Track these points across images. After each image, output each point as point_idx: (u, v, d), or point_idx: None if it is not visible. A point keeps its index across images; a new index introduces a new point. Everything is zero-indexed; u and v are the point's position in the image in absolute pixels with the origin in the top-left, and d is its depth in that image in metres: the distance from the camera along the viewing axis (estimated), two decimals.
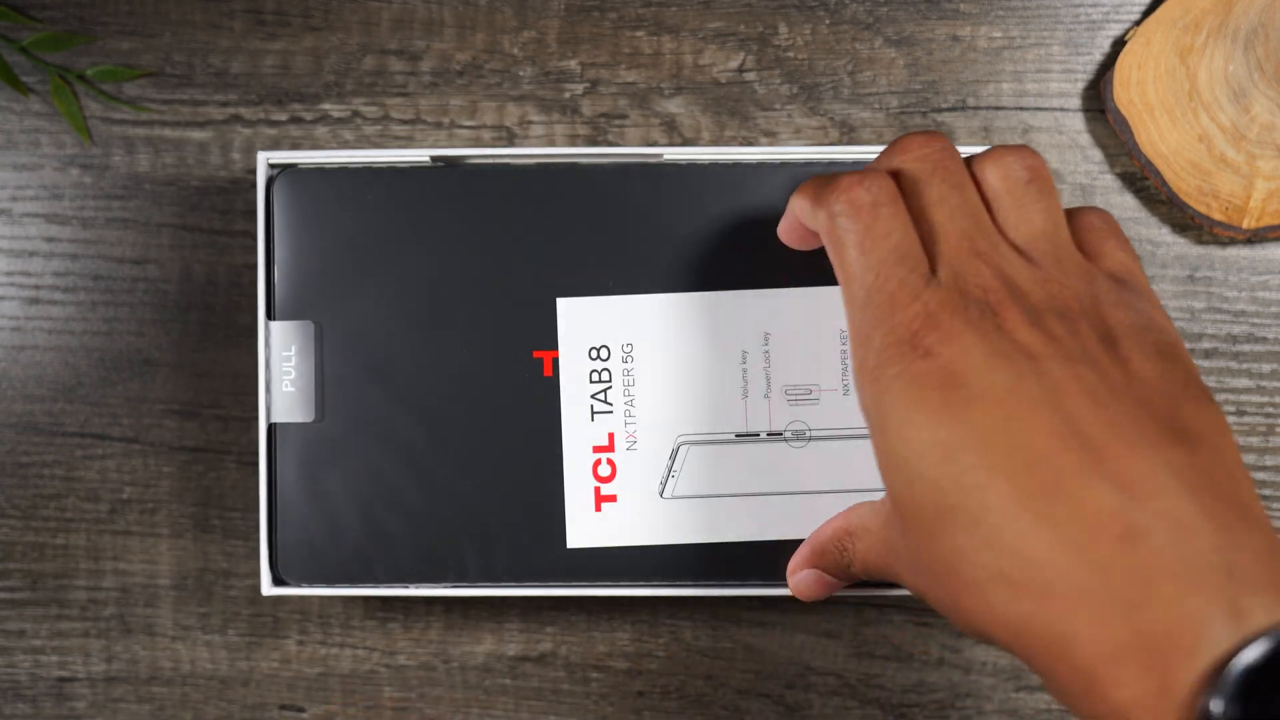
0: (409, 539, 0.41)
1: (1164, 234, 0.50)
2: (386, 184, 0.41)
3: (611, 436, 0.40)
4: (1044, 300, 0.31)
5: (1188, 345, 0.50)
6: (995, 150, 0.34)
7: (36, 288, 0.51)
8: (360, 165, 0.42)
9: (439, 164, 0.41)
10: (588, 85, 0.50)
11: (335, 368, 0.41)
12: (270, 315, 0.41)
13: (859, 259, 0.32)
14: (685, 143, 0.50)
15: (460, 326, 0.40)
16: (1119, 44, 0.50)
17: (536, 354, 0.40)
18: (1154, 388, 0.29)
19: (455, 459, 0.41)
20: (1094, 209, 0.35)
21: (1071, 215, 0.35)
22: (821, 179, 0.35)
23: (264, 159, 0.44)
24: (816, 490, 0.41)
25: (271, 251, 0.42)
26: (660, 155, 0.43)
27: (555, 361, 0.40)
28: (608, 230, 0.41)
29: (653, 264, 0.41)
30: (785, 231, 0.40)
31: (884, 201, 0.33)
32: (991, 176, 0.33)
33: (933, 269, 0.32)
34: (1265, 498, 0.51)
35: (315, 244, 0.41)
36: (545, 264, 0.40)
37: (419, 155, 0.43)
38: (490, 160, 0.40)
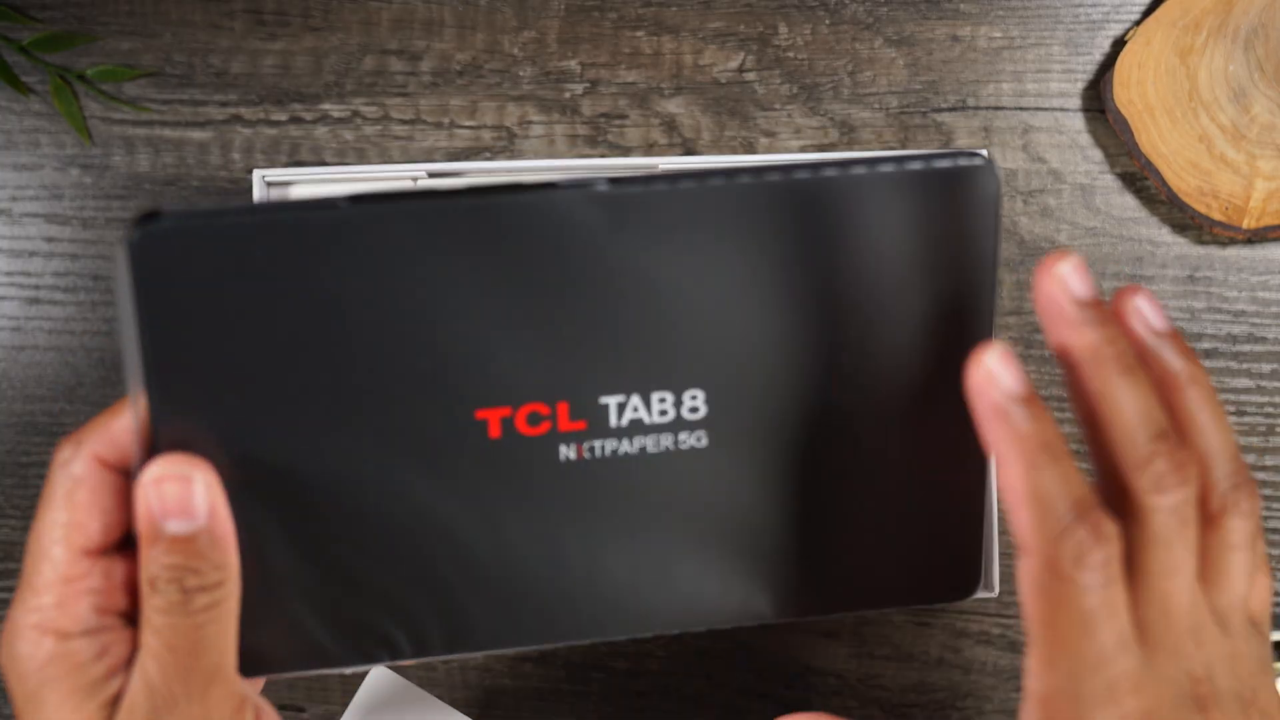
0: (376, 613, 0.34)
1: (1164, 234, 0.50)
2: (276, 238, 0.32)
3: None
4: (1231, 687, 0.30)
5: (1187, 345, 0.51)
6: (1235, 484, 0.31)
7: (36, 288, 0.51)
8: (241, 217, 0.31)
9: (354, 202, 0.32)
10: (588, 85, 0.50)
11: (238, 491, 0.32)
12: (151, 451, 0.30)
13: (1084, 633, 0.29)
14: (685, 142, 0.50)
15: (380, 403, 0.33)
16: (1119, 44, 0.50)
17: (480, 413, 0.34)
18: None
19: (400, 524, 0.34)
20: (1245, 498, 0.31)
21: (1216, 517, 0.32)
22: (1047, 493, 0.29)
23: (259, 177, 0.43)
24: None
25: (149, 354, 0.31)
26: (656, 166, 0.42)
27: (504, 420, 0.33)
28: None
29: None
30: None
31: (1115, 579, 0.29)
32: (1233, 529, 0.31)
33: (1139, 637, 0.29)
34: (1266, 497, 0.51)
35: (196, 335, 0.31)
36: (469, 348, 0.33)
37: (415, 171, 0.42)
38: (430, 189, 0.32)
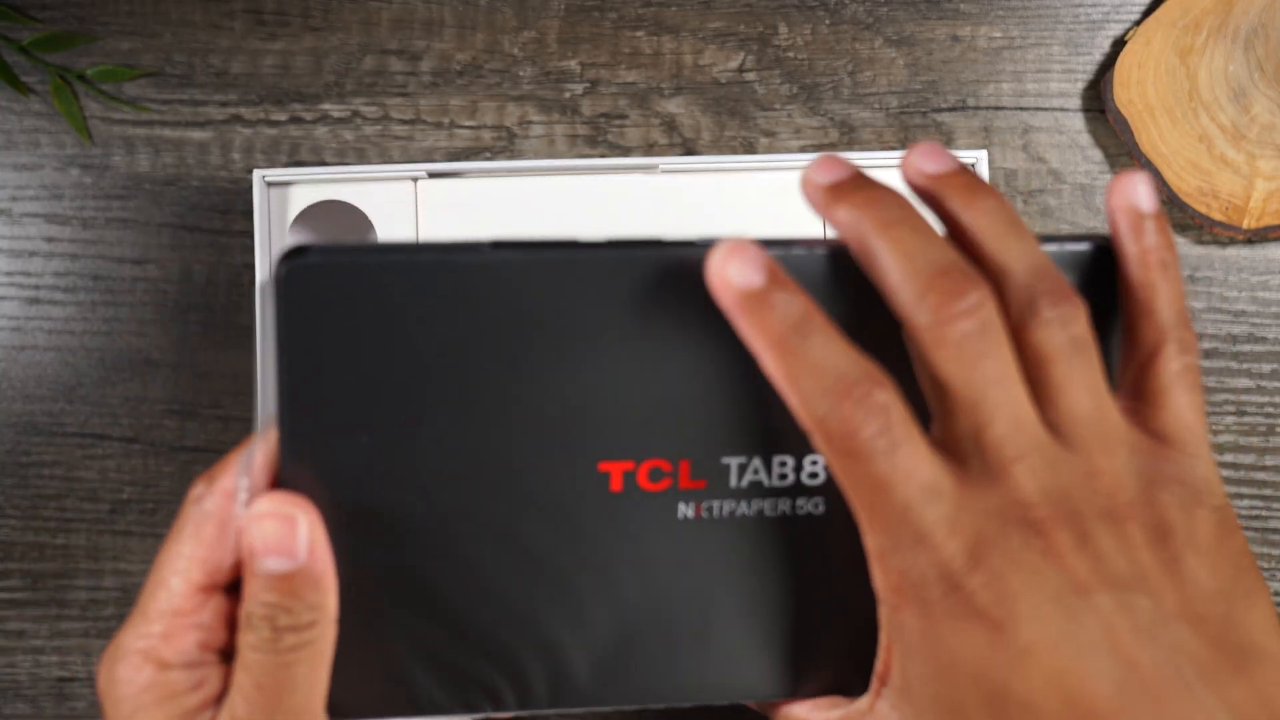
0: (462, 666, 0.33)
1: None
2: (421, 280, 0.32)
3: None
4: (1089, 505, 0.29)
5: None
6: (1038, 302, 0.29)
7: (36, 288, 0.51)
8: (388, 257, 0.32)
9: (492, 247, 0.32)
10: (588, 85, 0.50)
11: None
12: (276, 484, 0.31)
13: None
14: (685, 142, 0.50)
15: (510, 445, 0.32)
16: (1119, 44, 0.50)
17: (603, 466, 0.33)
18: (1204, 592, 0.28)
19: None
20: (1174, 338, 0.31)
21: (1152, 354, 0.31)
22: (915, 253, 0.29)
23: (259, 177, 0.43)
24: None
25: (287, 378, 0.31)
26: (656, 166, 0.42)
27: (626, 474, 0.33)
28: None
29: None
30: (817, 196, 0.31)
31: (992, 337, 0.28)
32: (1045, 342, 0.29)
33: (956, 477, 0.29)
34: (1265, 497, 0.51)
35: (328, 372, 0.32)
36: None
37: (416, 171, 0.42)
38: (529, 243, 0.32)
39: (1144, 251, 0.31)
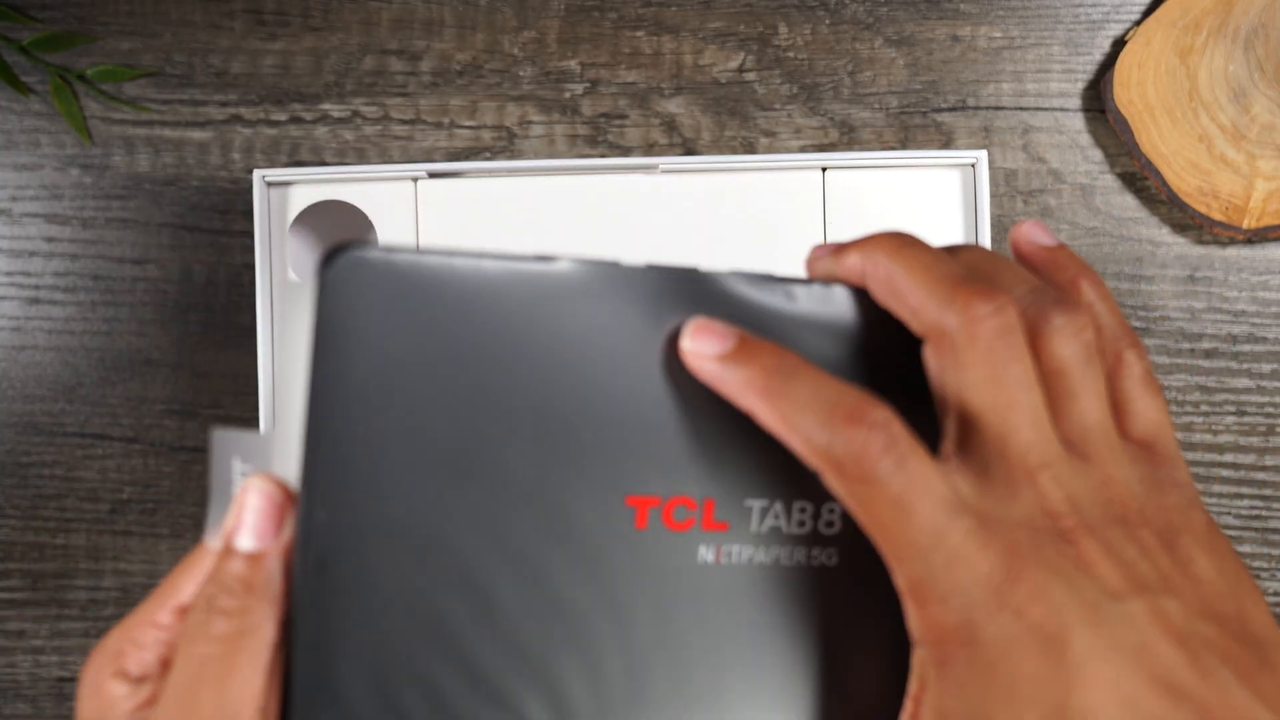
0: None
1: (1164, 234, 0.50)
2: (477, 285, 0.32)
3: None
4: (1104, 512, 0.29)
5: (1188, 345, 0.50)
6: (1049, 310, 0.30)
7: (36, 288, 0.51)
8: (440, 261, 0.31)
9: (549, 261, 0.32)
10: (588, 85, 0.50)
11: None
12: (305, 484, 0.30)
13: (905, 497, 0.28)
14: (685, 142, 0.50)
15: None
16: (1119, 44, 0.50)
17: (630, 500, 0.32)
18: (1218, 591, 0.29)
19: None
20: (1131, 345, 0.32)
21: (1114, 365, 0.32)
22: (933, 257, 0.29)
23: (259, 177, 0.43)
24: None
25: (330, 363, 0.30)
26: (656, 166, 0.42)
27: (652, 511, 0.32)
28: None
29: None
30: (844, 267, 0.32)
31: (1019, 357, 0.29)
32: (1059, 350, 0.30)
33: (977, 492, 0.29)
34: (1265, 497, 0.51)
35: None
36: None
37: (416, 170, 0.42)
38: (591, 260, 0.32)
39: (1074, 277, 0.32)
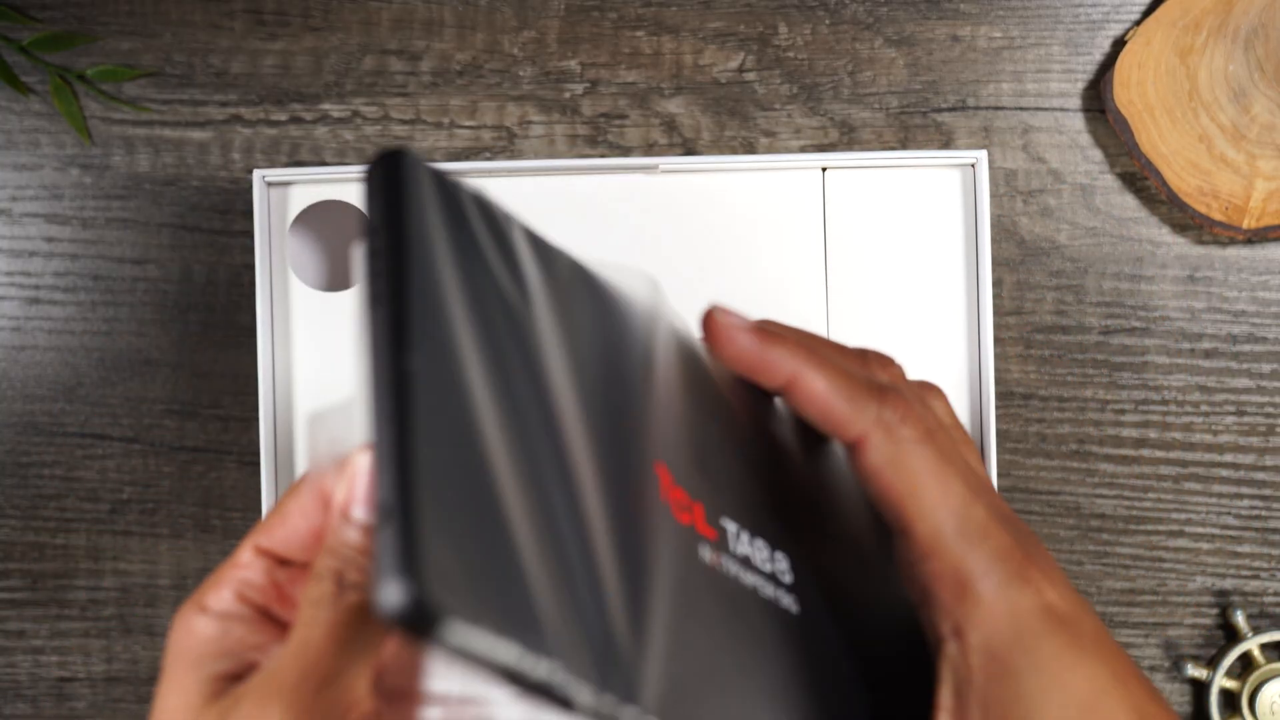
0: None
1: (1164, 234, 0.50)
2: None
3: None
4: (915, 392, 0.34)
5: (1187, 345, 0.51)
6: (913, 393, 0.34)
7: (36, 288, 0.51)
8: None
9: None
10: (588, 85, 0.50)
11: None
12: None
13: (937, 486, 0.30)
14: (685, 142, 0.50)
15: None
16: (1119, 44, 0.50)
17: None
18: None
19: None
20: (863, 353, 0.36)
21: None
22: (849, 376, 0.31)
23: (260, 177, 0.43)
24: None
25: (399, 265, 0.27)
26: (656, 166, 0.42)
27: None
28: None
29: None
30: (752, 364, 0.32)
31: (944, 427, 0.32)
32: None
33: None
34: (1265, 497, 0.51)
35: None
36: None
37: None
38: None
39: (777, 338, 0.33)
